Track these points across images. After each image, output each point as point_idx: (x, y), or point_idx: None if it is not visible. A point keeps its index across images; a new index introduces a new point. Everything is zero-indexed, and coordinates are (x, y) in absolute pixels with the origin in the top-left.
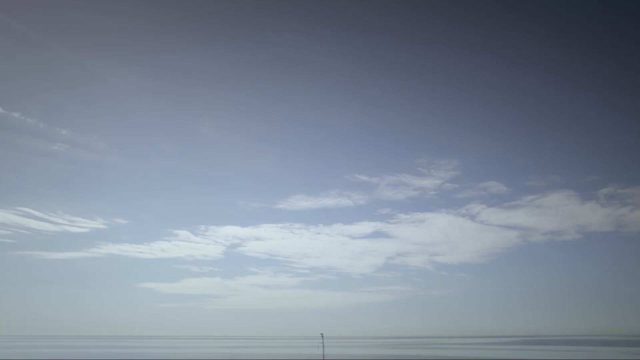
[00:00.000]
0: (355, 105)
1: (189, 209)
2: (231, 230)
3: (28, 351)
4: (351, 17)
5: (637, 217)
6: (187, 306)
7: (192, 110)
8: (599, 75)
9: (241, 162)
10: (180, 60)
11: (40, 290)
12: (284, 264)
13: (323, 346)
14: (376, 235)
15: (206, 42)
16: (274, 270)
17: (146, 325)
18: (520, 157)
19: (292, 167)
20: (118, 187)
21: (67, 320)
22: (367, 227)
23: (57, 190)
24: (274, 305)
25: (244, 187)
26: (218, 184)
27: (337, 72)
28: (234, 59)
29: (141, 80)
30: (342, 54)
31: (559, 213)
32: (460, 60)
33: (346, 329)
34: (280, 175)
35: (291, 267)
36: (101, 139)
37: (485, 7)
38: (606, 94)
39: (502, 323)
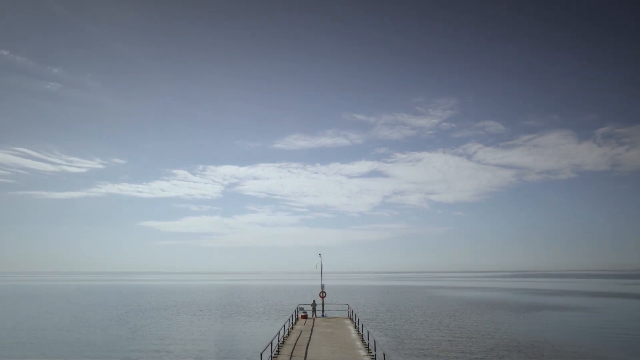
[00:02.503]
0: (352, 44)
1: (187, 148)
2: (229, 170)
3: (30, 284)
4: None
5: (632, 156)
6: (188, 244)
7: (188, 50)
8: (599, 15)
9: (238, 101)
10: None
11: (41, 228)
12: (282, 203)
13: (321, 265)
14: (373, 174)
15: None
16: (272, 208)
17: (147, 262)
18: (519, 95)
19: (289, 107)
20: (115, 127)
21: (69, 257)
22: (364, 166)
23: (52, 130)
24: (273, 243)
25: (241, 126)
26: (215, 124)
27: (335, 11)
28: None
29: (134, 18)
30: None
31: (555, 152)
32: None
33: (344, 265)
34: (277, 115)
35: (289, 205)
36: (94, 77)
37: None
38: (606, 33)
39: (498, 259)
